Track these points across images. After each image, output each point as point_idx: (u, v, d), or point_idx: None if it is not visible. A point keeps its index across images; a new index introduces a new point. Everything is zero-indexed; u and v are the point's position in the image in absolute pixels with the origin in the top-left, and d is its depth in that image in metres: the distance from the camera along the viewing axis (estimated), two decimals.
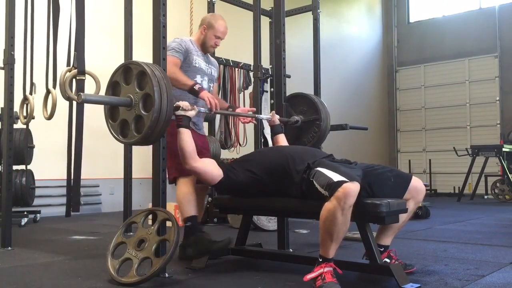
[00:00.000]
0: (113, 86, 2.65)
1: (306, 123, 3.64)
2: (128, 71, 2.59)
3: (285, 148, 3.03)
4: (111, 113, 2.68)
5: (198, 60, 3.27)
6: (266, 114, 3.42)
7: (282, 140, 3.33)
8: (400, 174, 2.78)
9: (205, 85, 3.29)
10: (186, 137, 2.74)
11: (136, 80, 2.53)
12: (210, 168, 2.77)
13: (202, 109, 2.96)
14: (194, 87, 3.03)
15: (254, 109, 3.54)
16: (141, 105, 2.50)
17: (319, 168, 2.49)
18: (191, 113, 2.80)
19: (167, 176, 3.12)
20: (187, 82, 3.05)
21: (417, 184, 2.71)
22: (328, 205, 2.30)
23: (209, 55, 3.51)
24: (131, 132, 2.55)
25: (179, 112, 2.75)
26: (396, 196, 2.61)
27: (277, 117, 3.37)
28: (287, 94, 3.63)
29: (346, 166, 2.57)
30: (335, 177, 2.35)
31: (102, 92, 3.68)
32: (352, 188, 2.29)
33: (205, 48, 3.34)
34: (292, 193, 2.65)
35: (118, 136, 2.63)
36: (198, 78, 3.25)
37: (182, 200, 2.97)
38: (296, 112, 3.68)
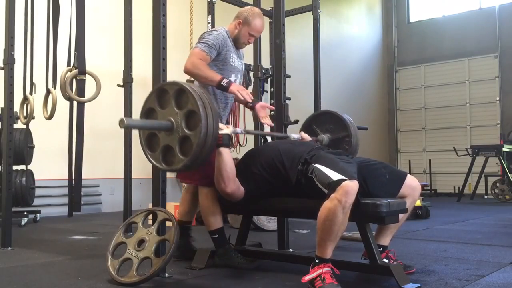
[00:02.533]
0: (147, 114, 2.47)
1: (334, 141, 3.39)
2: (163, 94, 2.42)
3: (278, 144, 2.99)
4: (149, 143, 2.48)
5: (234, 58, 3.09)
6: None
7: None
8: (395, 171, 2.78)
9: (237, 83, 3.13)
10: (227, 158, 2.58)
11: (174, 100, 2.37)
12: (240, 187, 2.69)
13: (239, 130, 2.86)
14: (222, 82, 2.85)
15: (273, 107, 3.39)
16: (184, 125, 2.32)
17: (317, 165, 2.49)
18: (229, 130, 2.64)
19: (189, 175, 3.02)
20: (214, 78, 2.86)
21: (412, 182, 2.72)
22: (328, 204, 2.29)
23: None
24: (177, 157, 2.35)
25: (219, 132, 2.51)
26: (390, 193, 2.63)
27: (306, 135, 3.19)
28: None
29: (344, 160, 2.57)
30: (334, 175, 2.34)
31: (103, 92, 3.71)
32: (352, 186, 2.29)
33: (238, 44, 3.14)
34: (289, 188, 2.65)
35: (161, 165, 2.43)
36: (233, 77, 3.08)
37: (207, 213, 2.94)
38: (322, 131, 3.44)
